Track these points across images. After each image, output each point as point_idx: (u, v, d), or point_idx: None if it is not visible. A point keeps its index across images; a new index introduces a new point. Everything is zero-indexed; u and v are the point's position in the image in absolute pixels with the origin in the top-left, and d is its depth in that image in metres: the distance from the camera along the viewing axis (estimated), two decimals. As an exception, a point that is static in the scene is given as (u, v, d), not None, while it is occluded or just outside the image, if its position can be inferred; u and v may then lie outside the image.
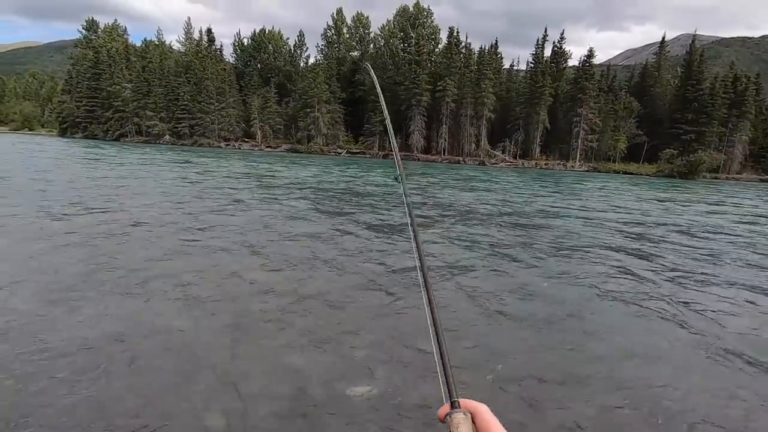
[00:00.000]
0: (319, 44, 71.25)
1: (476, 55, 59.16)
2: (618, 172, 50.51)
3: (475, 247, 7.71)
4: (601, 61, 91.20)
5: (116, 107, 65.53)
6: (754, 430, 3.00)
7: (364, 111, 60.17)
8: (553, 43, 58.04)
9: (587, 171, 51.73)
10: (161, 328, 3.91)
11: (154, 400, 2.89)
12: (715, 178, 49.67)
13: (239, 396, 2.98)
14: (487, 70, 55.53)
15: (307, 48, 73.47)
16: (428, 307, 0.81)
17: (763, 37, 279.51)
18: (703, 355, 4.04)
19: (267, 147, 62.68)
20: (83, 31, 76.40)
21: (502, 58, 62.97)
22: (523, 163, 54.42)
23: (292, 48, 73.44)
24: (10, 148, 31.24)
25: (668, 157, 48.31)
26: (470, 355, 3.78)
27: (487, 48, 59.74)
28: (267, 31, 73.04)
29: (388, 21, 67.30)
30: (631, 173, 49.99)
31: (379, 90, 1.74)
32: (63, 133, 73.78)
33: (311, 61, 71.63)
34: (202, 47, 70.03)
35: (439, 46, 64.30)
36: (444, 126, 56.97)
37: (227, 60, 71.84)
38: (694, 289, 6.01)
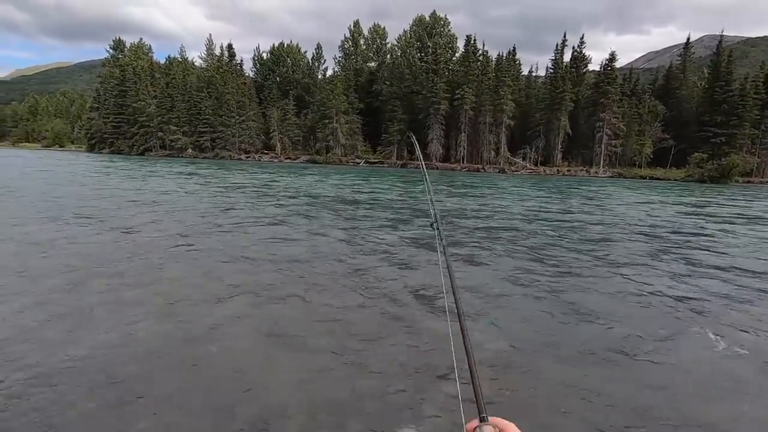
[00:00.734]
0: (337, 56, 72.14)
1: (494, 63, 58.74)
2: (644, 178, 48.98)
3: (508, 265, 7.32)
4: (623, 65, 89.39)
5: (141, 122, 67.55)
6: None
7: (381, 120, 60.30)
8: (573, 47, 57.24)
9: (611, 177, 50.35)
10: (191, 346, 3.70)
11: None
12: (748, 182, 47.59)
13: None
14: (505, 77, 55.00)
15: (325, 60, 74.44)
16: (461, 331, 0.90)
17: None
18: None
19: (286, 158, 63.38)
20: (110, 51, 79.45)
21: (520, 64, 62.41)
22: (544, 170, 53.37)
23: (310, 60, 74.51)
24: (40, 162, 32.35)
25: (698, 161, 46.54)
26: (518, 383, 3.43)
27: (504, 55, 59.29)
28: (285, 45, 74.35)
29: (405, 31, 67.62)
30: (659, 178, 48.39)
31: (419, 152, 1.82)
32: (91, 149, 76.40)
33: (329, 73, 72.52)
34: (223, 62, 71.71)
35: (456, 54, 64.18)
36: (463, 134, 56.52)
37: (247, 74, 73.38)
38: None
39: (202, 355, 3.69)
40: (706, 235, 10.86)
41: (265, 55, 74.40)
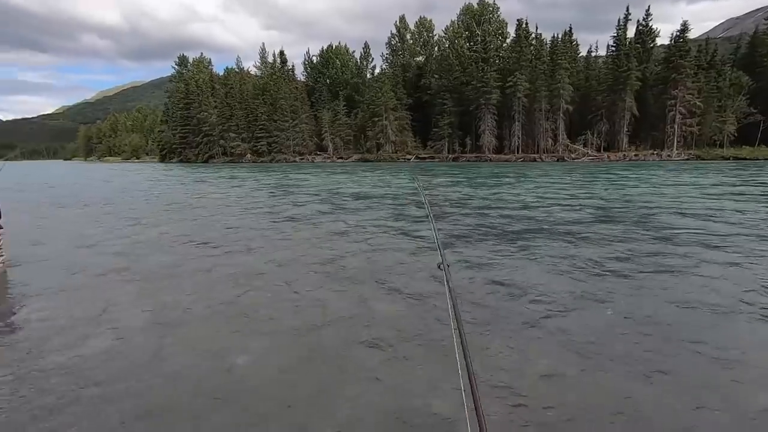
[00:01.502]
0: (384, 53, 72.12)
1: (548, 46, 55.59)
2: (727, 158, 43.91)
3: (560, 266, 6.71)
4: (697, 36, 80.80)
5: (205, 132, 72.09)
6: None
7: (431, 115, 59.45)
8: (637, 21, 52.49)
9: (687, 159, 45.76)
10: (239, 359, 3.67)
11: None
12: None
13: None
14: (561, 59, 51.85)
15: (373, 59, 74.68)
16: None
17: None
18: None
19: (338, 158, 64.57)
20: (176, 67, 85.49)
21: (577, 45, 58.34)
22: (608, 156, 49.72)
23: (359, 60, 75.20)
24: (117, 173, 35.54)
25: (793, 137, 40.95)
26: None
27: (560, 36, 55.81)
28: (334, 47, 75.62)
29: (452, 21, 66.03)
30: (745, 158, 43.13)
31: None
32: (162, 159, 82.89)
33: (377, 71, 72.72)
34: (276, 69, 74.49)
35: (507, 40, 61.60)
36: (516, 123, 54.18)
37: (298, 78, 75.64)
38: None
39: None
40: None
41: (314, 59, 76.21)
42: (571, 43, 56.81)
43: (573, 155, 51.52)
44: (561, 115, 52.22)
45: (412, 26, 70.70)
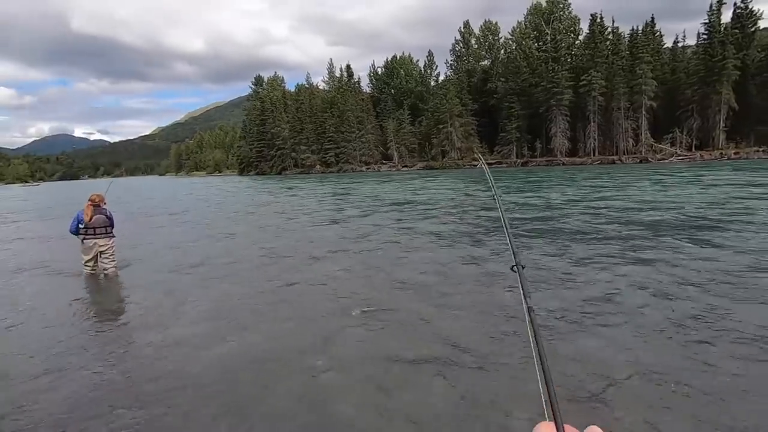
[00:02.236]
0: (449, 60, 71.75)
1: (627, 39, 51.61)
2: None
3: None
4: (812, 14, 70.09)
5: (278, 146, 76.69)
6: None
7: (498, 119, 57.85)
8: (734, 4, 46.88)
9: (803, 156, 39.68)
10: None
11: None
12: None
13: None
14: (642, 52, 47.83)
15: (437, 66, 74.72)
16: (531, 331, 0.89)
17: None
18: None
19: (403, 167, 65.10)
20: (252, 86, 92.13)
21: (661, 35, 53.45)
22: (701, 155, 44.70)
23: (422, 69, 75.58)
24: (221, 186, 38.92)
25: None
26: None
27: (640, 28, 51.56)
28: (398, 57, 76.80)
29: (519, 22, 63.97)
30: None
31: None
32: (241, 172, 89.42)
33: (441, 77, 72.49)
34: (343, 82, 77.32)
35: (580, 37, 58.27)
36: (592, 123, 50.83)
37: (364, 90, 77.78)
38: None
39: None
40: None
41: (379, 70, 77.97)
42: (654, 34, 52.20)
43: (658, 156, 47.10)
44: (643, 112, 48.10)
45: (476, 30, 69.67)
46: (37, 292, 6.32)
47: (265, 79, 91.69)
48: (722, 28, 46.37)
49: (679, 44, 54.60)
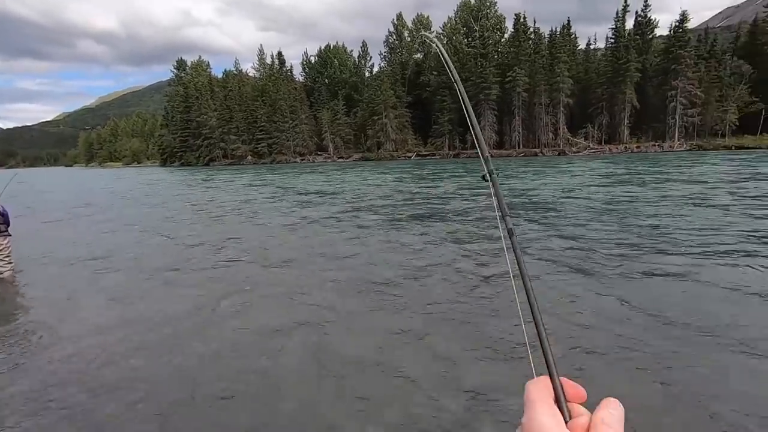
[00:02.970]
0: (382, 52, 72.06)
1: (547, 39, 55.43)
2: (729, 148, 43.66)
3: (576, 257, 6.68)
4: (696, 25, 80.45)
5: (205, 135, 72.19)
6: None
7: (431, 112, 59.39)
8: (636, 13, 52.22)
9: (689, 150, 45.55)
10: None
11: None
12: None
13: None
14: (560, 53, 51.70)
15: (371, 57, 74.64)
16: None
17: None
18: None
19: (339, 158, 64.57)
20: (174, 71, 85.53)
21: (576, 38, 58.14)
22: (609, 149, 49.55)
23: (357, 59, 75.13)
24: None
25: (796, 124, 40.71)
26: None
27: (558, 30, 55.64)
28: (332, 47, 75.58)
29: (450, 18, 65.90)
30: (748, 147, 42.84)
31: (451, 66, 0.79)
32: (163, 163, 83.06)
33: (375, 69, 72.67)
34: (275, 70, 74.51)
35: (505, 35, 61.45)
36: (516, 118, 54.08)
37: (297, 79, 75.63)
38: None
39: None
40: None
41: (313, 59, 76.22)
42: (570, 36, 56.68)
43: (574, 149, 51.38)
44: (561, 108, 52.10)
45: (409, 24, 70.63)
46: None
47: (189, 64, 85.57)
48: (626, 34, 51.55)
49: (591, 47, 59.95)
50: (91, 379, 3.36)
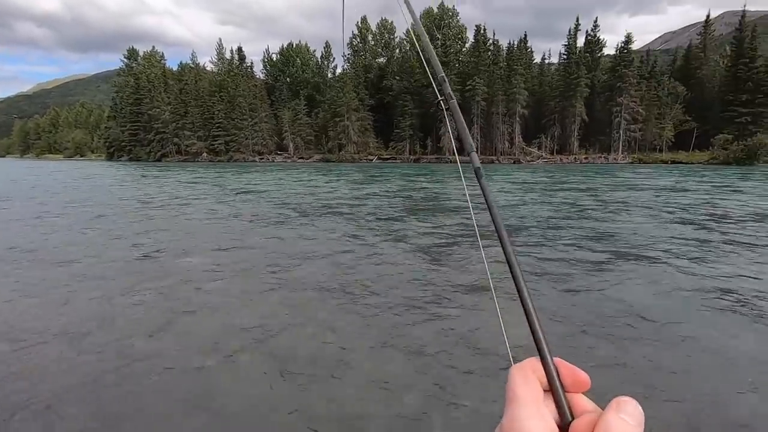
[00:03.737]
0: (346, 53, 71.97)
1: (505, 52, 57.69)
2: (666, 162, 47.39)
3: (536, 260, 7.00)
4: (639, 47, 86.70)
5: (157, 129, 68.75)
6: None
7: (393, 116, 59.98)
8: (586, 32, 55.67)
9: (631, 163, 48.95)
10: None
11: None
12: (778, 161, 45.56)
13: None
14: (517, 65, 53.98)
15: (334, 58, 74.33)
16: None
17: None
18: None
19: (299, 158, 63.65)
20: (125, 60, 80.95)
21: (532, 52, 61.06)
22: (561, 159, 52.27)
23: (320, 59, 74.53)
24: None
25: (722, 143, 44.78)
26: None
27: (515, 43, 58.13)
28: (294, 45, 74.52)
29: (413, 25, 66.90)
30: (681, 162, 46.74)
31: (427, 39, 0.72)
32: (110, 157, 78.18)
33: (338, 71, 72.41)
34: (234, 66, 72.38)
35: (466, 45, 63.30)
36: (475, 126, 55.75)
37: (258, 76, 73.86)
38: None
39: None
40: (748, 220, 10.29)
41: (274, 57, 74.80)
42: (526, 49, 59.34)
43: (528, 158, 53.67)
44: (517, 118, 54.33)
45: (373, 27, 71.05)
46: None
47: (141, 53, 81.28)
48: (578, 51, 54.72)
49: (546, 61, 63.05)
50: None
